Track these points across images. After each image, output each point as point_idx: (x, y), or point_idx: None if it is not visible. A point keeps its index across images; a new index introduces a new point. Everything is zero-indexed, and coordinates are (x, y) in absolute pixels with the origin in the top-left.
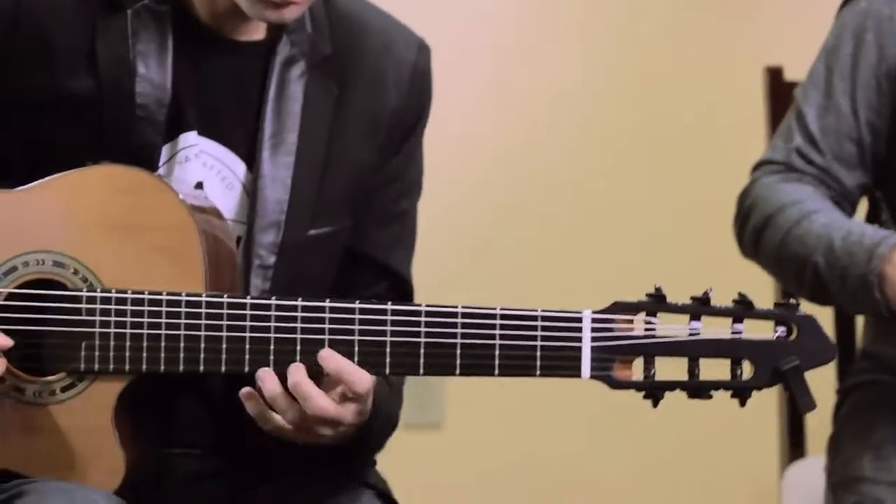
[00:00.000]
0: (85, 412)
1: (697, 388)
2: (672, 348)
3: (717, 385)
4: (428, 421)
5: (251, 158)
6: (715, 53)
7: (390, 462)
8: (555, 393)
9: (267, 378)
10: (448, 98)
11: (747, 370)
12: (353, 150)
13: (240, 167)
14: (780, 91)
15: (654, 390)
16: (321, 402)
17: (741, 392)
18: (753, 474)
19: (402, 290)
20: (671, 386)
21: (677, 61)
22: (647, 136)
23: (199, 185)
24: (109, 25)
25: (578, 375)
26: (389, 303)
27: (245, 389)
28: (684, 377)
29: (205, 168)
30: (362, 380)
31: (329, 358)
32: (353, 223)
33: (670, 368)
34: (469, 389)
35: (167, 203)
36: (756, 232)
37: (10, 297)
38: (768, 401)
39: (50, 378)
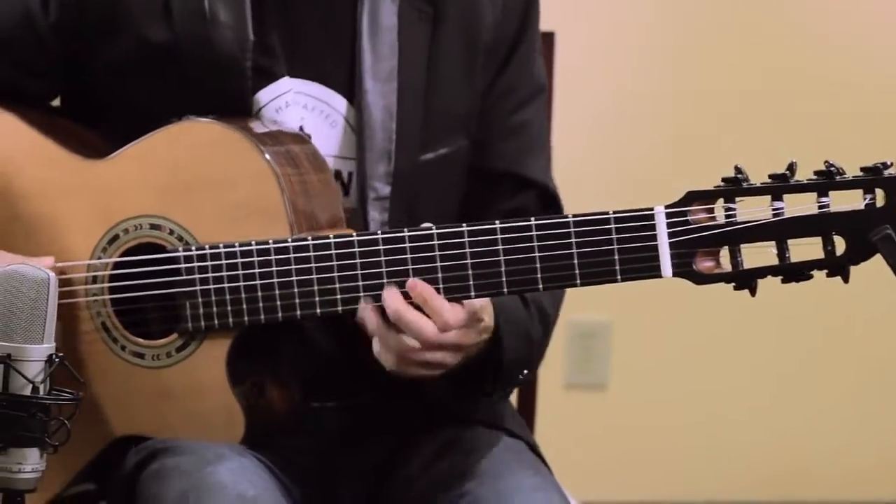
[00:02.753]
0: (200, 370)
1: (791, 271)
2: (756, 233)
3: (811, 265)
4: (592, 382)
5: (351, 92)
6: None
7: (553, 421)
8: (721, 357)
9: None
10: None
11: (840, 245)
12: (454, 70)
13: (340, 102)
14: None
15: (744, 279)
16: (421, 326)
17: (838, 269)
18: None
19: (550, 198)
20: (762, 273)
21: None
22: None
23: (300, 130)
24: None
25: (659, 275)
26: (465, 225)
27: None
28: (775, 262)
29: (305, 110)
30: (447, 312)
31: (415, 287)
32: (472, 142)
33: (759, 256)
34: (634, 350)
35: (245, 154)
36: None
37: (117, 266)
38: None
39: (165, 340)
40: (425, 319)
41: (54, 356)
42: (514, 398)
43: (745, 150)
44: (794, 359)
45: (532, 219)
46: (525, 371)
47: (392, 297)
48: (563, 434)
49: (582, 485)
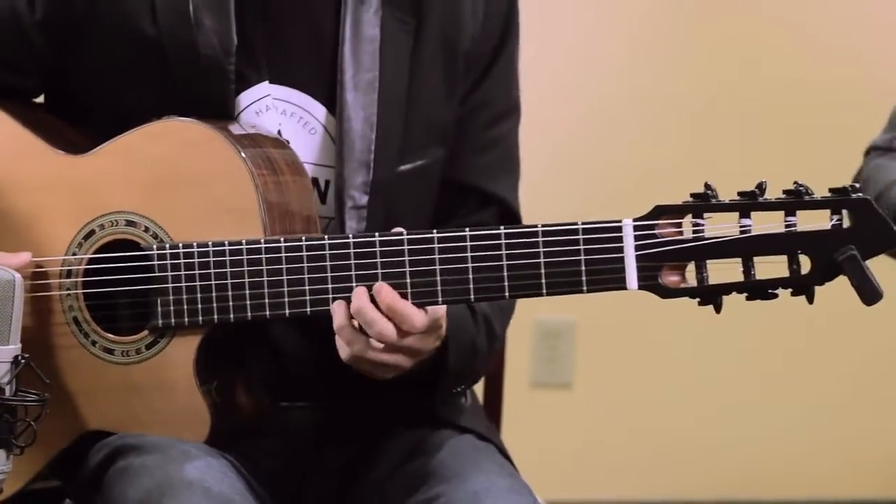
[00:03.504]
0: (169, 367)
1: (755, 288)
2: (722, 249)
3: (776, 283)
4: (557, 381)
5: (331, 101)
6: None
7: (519, 420)
8: (687, 355)
9: (337, 309)
10: None
11: (806, 264)
12: (434, 81)
13: (319, 110)
14: None
15: (709, 295)
16: (381, 326)
17: (802, 288)
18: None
19: (510, 217)
20: (727, 289)
21: None
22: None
23: (278, 134)
24: None
25: (625, 287)
26: (434, 231)
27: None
28: (740, 279)
29: (283, 116)
30: (412, 317)
31: (380, 291)
32: (447, 154)
33: (725, 272)
34: (598, 350)
35: (222, 153)
36: None
37: (91, 261)
38: None
39: (135, 337)
40: (386, 321)
41: (20, 357)
42: (480, 396)
43: (715, 168)
44: (760, 357)
45: (502, 227)
46: (463, 385)
47: (358, 297)
48: (528, 432)
49: (548, 483)
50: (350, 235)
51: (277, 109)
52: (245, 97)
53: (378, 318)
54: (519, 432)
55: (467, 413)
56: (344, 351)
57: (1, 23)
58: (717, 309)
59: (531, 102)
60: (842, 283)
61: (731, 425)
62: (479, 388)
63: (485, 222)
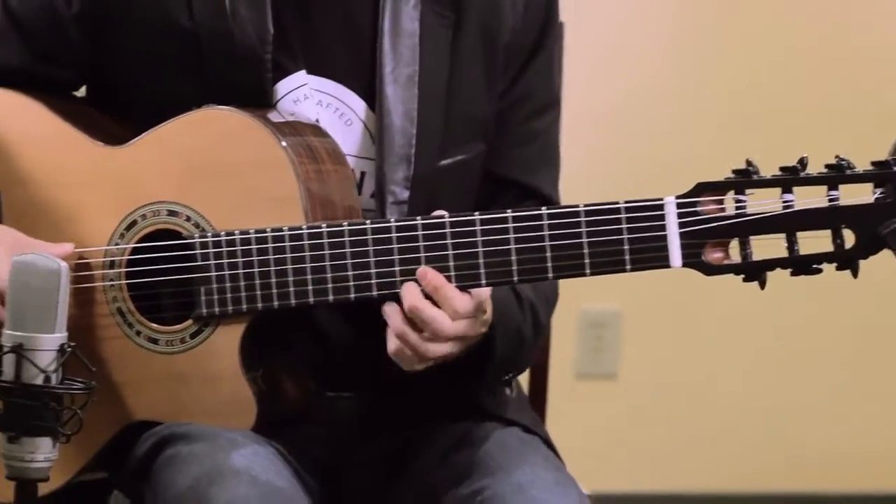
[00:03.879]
0: (214, 356)
1: (799, 263)
2: (765, 225)
3: (820, 258)
4: (603, 371)
5: (369, 93)
6: None
7: (564, 411)
8: (733, 346)
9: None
10: None
11: (849, 239)
12: (474, 75)
13: (358, 103)
14: None
15: (753, 271)
16: (440, 323)
17: (847, 263)
18: None
19: None
20: (770, 265)
21: None
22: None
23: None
24: None
25: (668, 265)
26: (477, 213)
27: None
28: (784, 255)
29: (320, 107)
30: (456, 299)
31: (426, 275)
32: (488, 147)
33: (769, 248)
34: (644, 340)
35: (262, 142)
36: None
37: (134, 251)
38: None
39: (179, 326)
40: (443, 314)
41: (66, 346)
42: (525, 387)
43: (757, 144)
44: (807, 348)
45: (543, 208)
46: (510, 374)
47: (411, 294)
48: (573, 424)
49: (592, 475)
50: (392, 220)
51: (314, 100)
52: (282, 86)
53: (436, 315)
54: (564, 423)
55: (513, 405)
56: (393, 343)
57: (38, 15)
58: (762, 285)
59: (573, 80)
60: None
61: (778, 416)
62: (524, 379)
63: None
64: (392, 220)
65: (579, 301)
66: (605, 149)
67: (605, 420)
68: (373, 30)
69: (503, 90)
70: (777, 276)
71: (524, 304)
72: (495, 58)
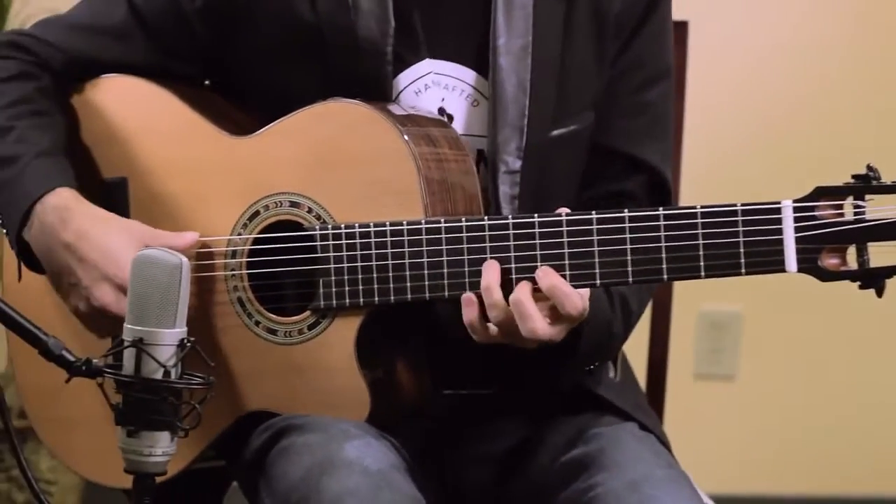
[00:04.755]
0: (330, 348)
1: None
2: (884, 231)
3: None
4: (722, 372)
5: (484, 67)
6: None
7: (682, 411)
8: (854, 348)
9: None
10: None
11: None
12: (586, 46)
13: (472, 77)
14: None
15: (870, 278)
16: (536, 324)
17: None
18: None
19: (660, 186)
20: (888, 272)
21: None
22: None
23: (441, 111)
24: None
25: (783, 270)
26: (594, 212)
27: (466, 295)
28: None
29: (446, 90)
30: (574, 301)
31: (545, 276)
32: (597, 117)
33: (887, 255)
34: (764, 342)
35: (385, 134)
36: None
37: (256, 241)
38: None
39: (297, 318)
40: (542, 319)
41: (186, 340)
42: (643, 387)
43: (879, 148)
44: None
45: (661, 208)
46: (594, 364)
47: (520, 289)
48: (692, 424)
49: (711, 476)
50: (509, 217)
51: (440, 85)
52: (404, 77)
53: (534, 314)
54: (682, 424)
55: (616, 387)
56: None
57: (163, 10)
58: (879, 293)
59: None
60: None
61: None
62: (642, 379)
63: (631, 189)
64: (510, 217)
65: (698, 301)
66: (726, 148)
67: (723, 421)
68: (486, 4)
69: (612, 59)
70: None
71: (615, 299)
72: (606, 28)
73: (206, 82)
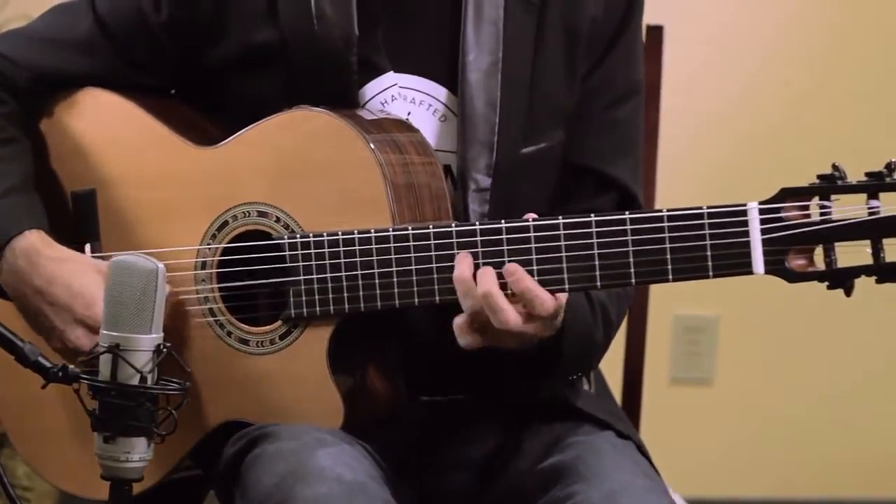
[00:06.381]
0: (302, 358)
1: (886, 270)
2: (851, 231)
3: None
4: (698, 377)
5: (454, 83)
6: None
7: (659, 416)
8: (830, 352)
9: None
10: None
11: None
12: (556, 63)
13: (442, 93)
14: None
15: (838, 279)
16: (508, 315)
17: None
18: None
19: (629, 202)
20: (856, 272)
21: None
22: None
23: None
24: None
25: (751, 272)
26: (560, 217)
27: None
28: (868, 262)
29: (412, 105)
30: (544, 302)
31: (514, 273)
32: (567, 135)
33: (853, 255)
34: (740, 346)
35: (350, 143)
36: None
37: (225, 252)
38: None
39: (269, 328)
40: (512, 310)
41: (162, 346)
42: (618, 392)
43: (845, 149)
44: None
45: (627, 213)
46: (575, 375)
47: (486, 278)
48: (668, 429)
49: (688, 480)
50: (477, 223)
51: (406, 98)
52: (370, 88)
53: (506, 307)
54: (659, 428)
55: (593, 399)
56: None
57: (128, 22)
58: (848, 292)
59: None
60: None
61: (874, 423)
62: (617, 383)
63: (602, 207)
64: (477, 223)
65: (674, 306)
66: (697, 151)
67: (700, 425)
68: (456, 19)
69: (583, 77)
70: (871, 283)
71: (595, 307)
72: (576, 45)
73: (172, 92)
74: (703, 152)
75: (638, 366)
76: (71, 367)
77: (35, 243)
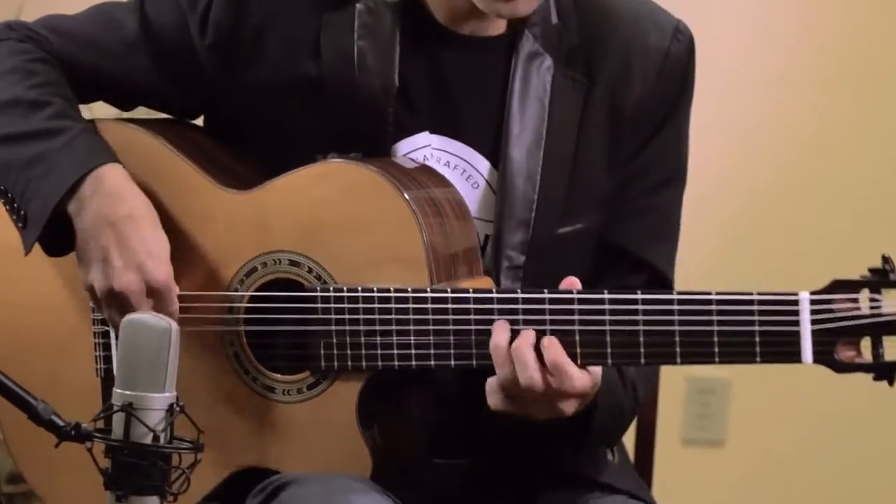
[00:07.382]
0: (331, 409)
1: None
2: None
3: None
4: (710, 438)
5: (495, 156)
6: None
7: (671, 476)
8: (843, 415)
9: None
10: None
11: None
12: (600, 144)
13: (483, 164)
14: None
15: (885, 371)
16: (534, 374)
17: None
18: None
19: (661, 286)
20: None
21: None
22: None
23: None
24: (335, 19)
25: (799, 360)
26: (606, 291)
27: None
28: None
29: (445, 167)
30: (573, 382)
31: (548, 347)
32: (605, 216)
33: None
34: (752, 408)
35: (386, 198)
36: None
37: (253, 299)
38: None
39: (297, 377)
40: (539, 373)
41: (175, 405)
42: (631, 452)
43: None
44: None
45: (674, 292)
46: (599, 447)
47: (523, 338)
48: (681, 490)
49: None
50: (519, 290)
51: (440, 161)
52: (403, 145)
53: (533, 367)
54: (671, 489)
55: (616, 470)
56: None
57: (174, 41)
58: (891, 383)
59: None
60: None
61: (892, 489)
62: (630, 443)
63: (634, 286)
64: (519, 290)
65: (687, 367)
66: (740, 232)
67: (712, 486)
68: (503, 90)
69: (627, 160)
70: None
71: (627, 383)
72: (622, 126)
73: (199, 119)
74: (738, 232)
75: (650, 425)
76: (84, 425)
77: (122, 178)
